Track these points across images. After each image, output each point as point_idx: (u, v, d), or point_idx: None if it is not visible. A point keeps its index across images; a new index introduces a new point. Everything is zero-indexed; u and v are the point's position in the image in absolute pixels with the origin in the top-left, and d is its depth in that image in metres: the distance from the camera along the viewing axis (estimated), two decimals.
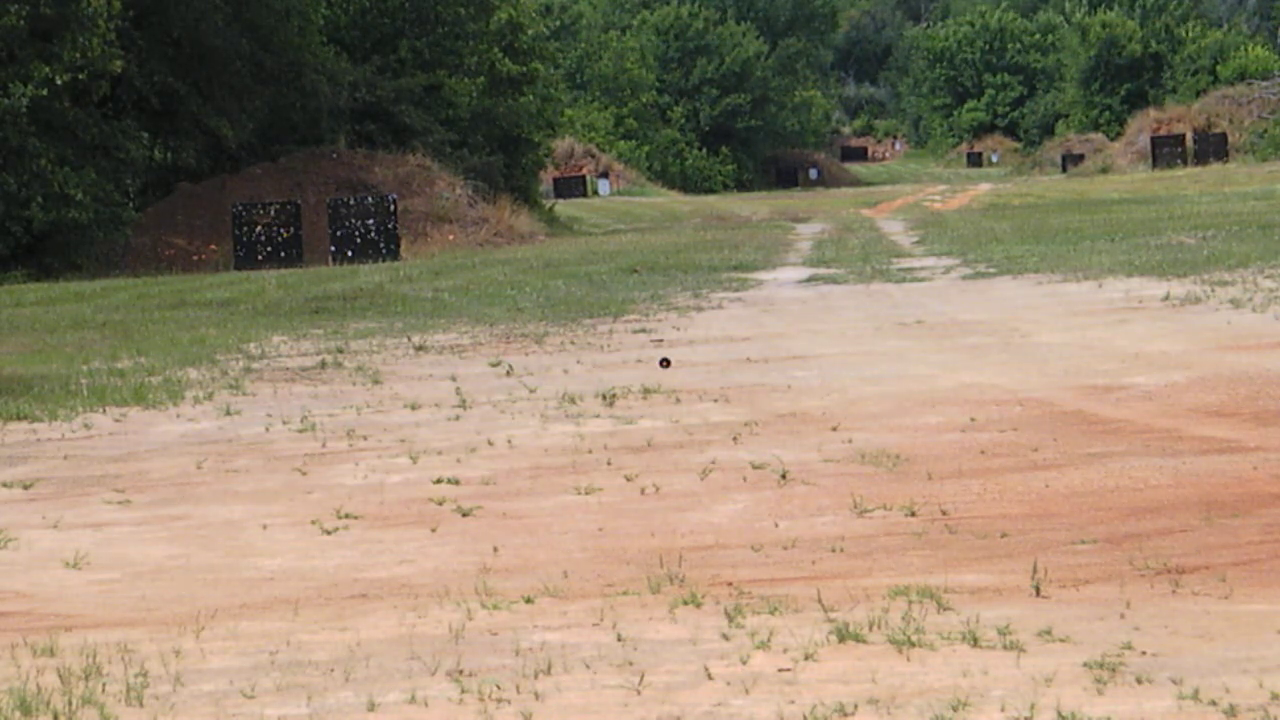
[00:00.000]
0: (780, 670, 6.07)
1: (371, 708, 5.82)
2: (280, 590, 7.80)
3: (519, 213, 50.21)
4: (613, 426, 12.22)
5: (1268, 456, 9.88)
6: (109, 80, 39.83)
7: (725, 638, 6.54)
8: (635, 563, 8.00)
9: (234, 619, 7.23)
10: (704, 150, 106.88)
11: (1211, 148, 79.47)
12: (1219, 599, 6.90)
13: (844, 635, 6.43)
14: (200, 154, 44.58)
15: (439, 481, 10.29)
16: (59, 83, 37.75)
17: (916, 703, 5.60)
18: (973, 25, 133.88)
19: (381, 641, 6.72)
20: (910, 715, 5.50)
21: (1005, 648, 6.21)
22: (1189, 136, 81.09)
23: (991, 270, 26.41)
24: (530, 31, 58.11)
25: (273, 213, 39.62)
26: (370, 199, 40.32)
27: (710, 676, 6.01)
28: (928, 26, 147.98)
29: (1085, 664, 5.94)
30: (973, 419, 11.72)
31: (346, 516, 9.39)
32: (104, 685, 6.20)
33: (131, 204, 41.44)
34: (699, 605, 7.07)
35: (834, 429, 11.59)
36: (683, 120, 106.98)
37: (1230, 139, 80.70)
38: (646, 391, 13.88)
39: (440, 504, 9.63)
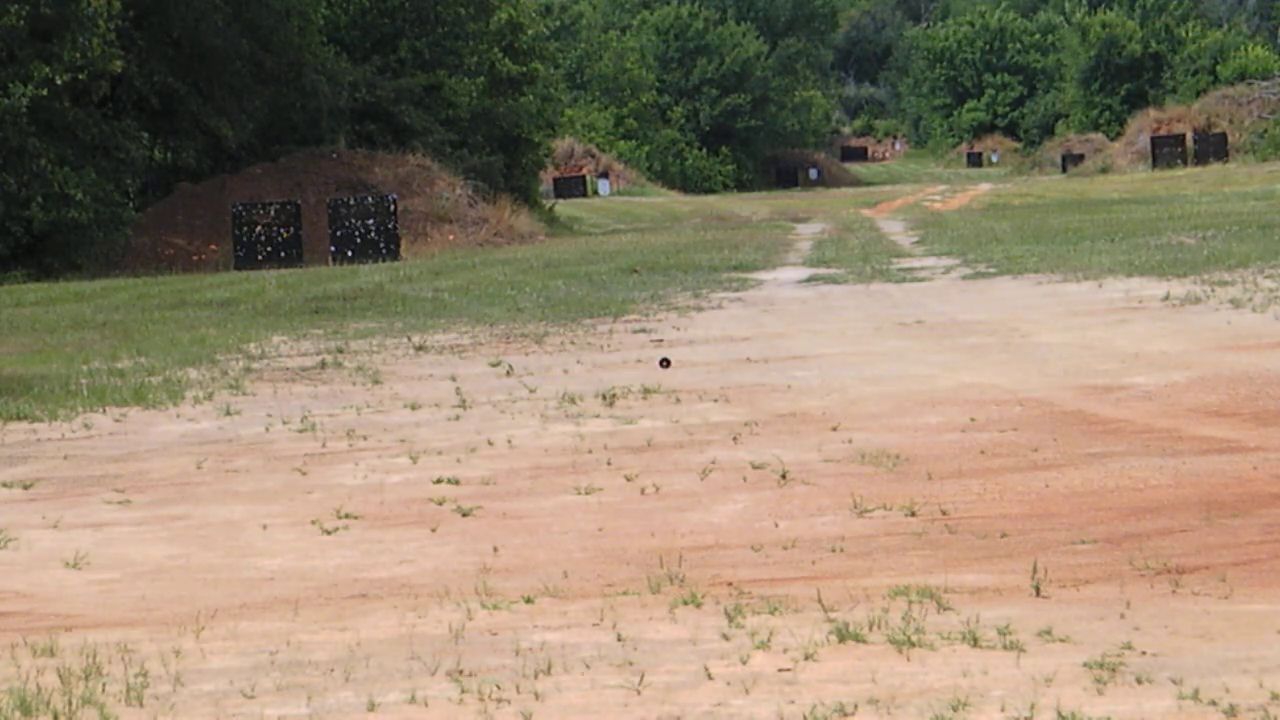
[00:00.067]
0: (780, 670, 6.07)
1: (371, 708, 5.82)
2: (280, 590, 7.80)
3: (519, 213, 50.22)
4: (613, 426, 12.22)
5: (1268, 456, 9.88)
6: (109, 80, 39.84)
7: (725, 638, 6.54)
8: (635, 563, 8.00)
9: (234, 619, 7.23)
10: (704, 150, 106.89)
11: (1211, 148, 79.48)
12: (1219, 599, 6.90)
13: (844, 635, 6.43)
14: (200, 154, 44.60)
15: (439, 481, 10.29)
16: (59, 83, 37.75)
17: (916, 703, 5.60)
18: (973, 25, 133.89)
19: (381, 641, 6.72)
20: (910, 715, 5.50)
21: (1005, 648, 6.21)
22: (1189, 136, 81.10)
23: (991, 270, 26.41)
24: (530, 31, 58.11)
25: (273, 213, 39.62)
26: (370, 199, 40.32)
27: (710, 676, 6.01)
28: (928, 26, 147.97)
29: (1085, 664, 5.94)
30: (973, 419, 11.72)
31: (346, 516, 9.39)
32: (104, 685, 6.19)
33: (131, 204, 41.45)
34: (699, 605, 7.07)
35: (834, 429, 11.59)
36: (683, 120, 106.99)
37: (1230, 139, 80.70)
38: (646, 391, 13.88)
39: (440, 504, 9.63)
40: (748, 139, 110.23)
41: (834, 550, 8.08)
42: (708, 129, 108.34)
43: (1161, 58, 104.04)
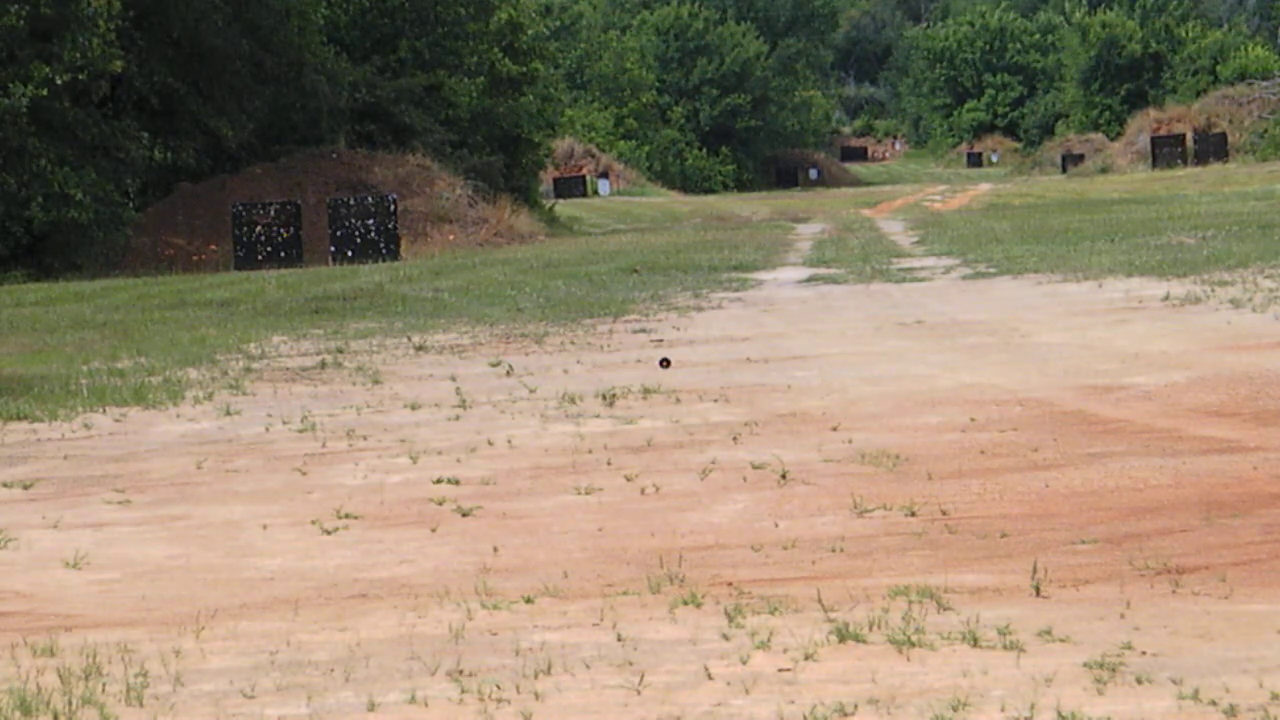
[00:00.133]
0: (780, 670, 6.06)
1: (371, 708, 5.82)
2: (280, 590, 7.80)
3: (519, 213, 50.21)
4: (613, 426, 12.21)
5: (1268, 456, 9.88)
6: (109, 80, 39.83)
7: (725, 638, 6.54)
8: (635, 563, 8.00)
9: (234, 619, 7.23)
10: (704, 150, 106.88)
11: (1211, 148, 79.47)
12: (1219, 599, 6.90)
13: (844, 635, 6.43)
14: (200, 154, 44.59)
15: (439, 481, 10.29)
16: (59, 83, 37.74)
17: (916, 703, 5.60)
18: (973, 25, 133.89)
19: (381, 641, 6.72)
20: (910, 715, 5.50)
21: (1005, 648, 6.21)
22: (1189, 136, 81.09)
23: (991, 270, 26.41)
24: (530, 31, 58.11)
25: (273, 213, 39.62)
26: (370, 199, 40.32)
27: (710, 676, 6.00)
28: (928, 26, 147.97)
29: (1085, 664, 5.94)
30: (973, 419, 11.72)
31: (346, 516, 9.39)
32: (104, 685, 6.19)
33: (131, 204, 41.45)
34: (699, 605, 7.07)
35: (834, 429, 11.59)
36: (683, 120, 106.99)
37: (1230, 139, 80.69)
38: (646, 391, 13.88)
39: (440, 504, 9.63)
40: (748, 139, 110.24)
41: (834, 550, 8.08)
42: (708, 129, 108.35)
43: (1161, 58, 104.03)
